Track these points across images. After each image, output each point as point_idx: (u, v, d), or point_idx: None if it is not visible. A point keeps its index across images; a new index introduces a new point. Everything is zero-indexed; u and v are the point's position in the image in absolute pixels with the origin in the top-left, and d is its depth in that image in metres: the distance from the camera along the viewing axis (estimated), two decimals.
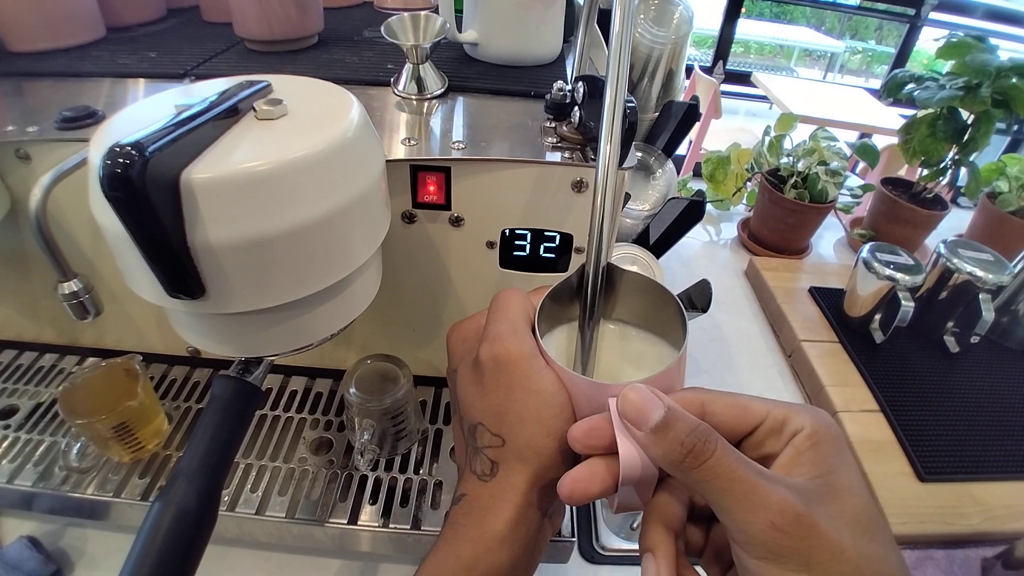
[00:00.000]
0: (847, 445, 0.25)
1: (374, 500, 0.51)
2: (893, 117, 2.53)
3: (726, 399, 0.26)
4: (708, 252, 1.06)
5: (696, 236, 1.09)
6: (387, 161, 0.40)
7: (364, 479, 0.53)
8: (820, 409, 0.26)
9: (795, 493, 0.22)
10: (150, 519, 0.32)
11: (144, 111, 0.33)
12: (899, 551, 0.23)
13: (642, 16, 0.66)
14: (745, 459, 0.23)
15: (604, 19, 0.55)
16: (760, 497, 0.22)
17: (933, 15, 2.88)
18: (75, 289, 0.40)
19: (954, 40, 0.90)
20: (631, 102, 0.35)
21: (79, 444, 0.50)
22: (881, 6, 3.07)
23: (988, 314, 0.74)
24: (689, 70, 2.43)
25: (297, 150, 0.30)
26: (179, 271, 0.29)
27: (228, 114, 0.32)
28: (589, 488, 0.26)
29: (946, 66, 0.93)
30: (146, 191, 0.25)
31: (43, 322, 0.61)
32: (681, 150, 1.63)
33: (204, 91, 0.34)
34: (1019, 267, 0.80)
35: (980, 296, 0.75)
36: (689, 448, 0.23)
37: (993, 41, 0.90)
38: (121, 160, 0.24)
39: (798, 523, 0.21)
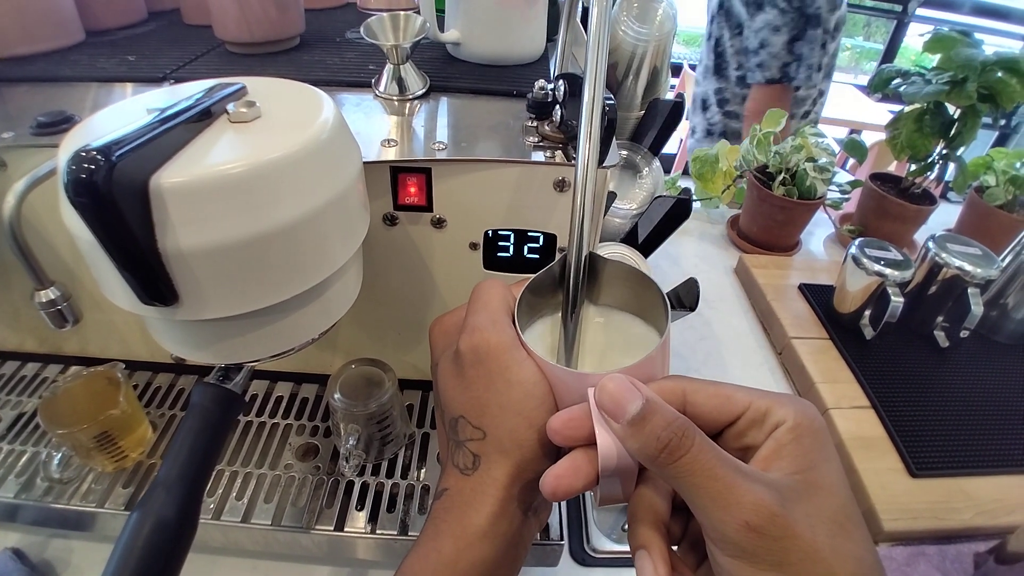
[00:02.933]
0: (830, 439, 0.24)
1: (361, 506, 0.51)
2: (882, 113, 2.54)
3: (708, 388, 0.26)
4: (697, 250, 1.06)
5: (685, 232, 1.08)
6: (367, 163, 0.39)
7: (351, 485, 0.52)
8: (805, 400, 0.25)
9: (771, 491, 0.22)
10: (128, 530, 0.32)
11: (116, 115, 0.33)
12: (875, 549, 0.23)
13: (625, 14, 0.65)
14: (722, 455, 0.23)
15: (587, 17, 0.54)
16: (735, 496, 0.21)
17: (920, 11, 2.90)
18: (52, 297, 0.39)
19: (939, 35, 0.90)
20: (610, 99, 0.35)
21: (60, 454, 0.50)
22: (868, 3, 3.09)
23: (977, 308, 0.74)
24: (679, 69, 2.44)
25: (271, 152, 0.30)
26: (151, 278, 0.28)
27: (200, 117, 0.31)
28: (573, 483, 0.26)
29: (932, 61, 0.93)
30: (113, 197, 0.25)
31: (25, 331, 0.61)
32: (671, 148, 1.64)
33: (177, 94, 0.34)
34: (1007, 261, 0.80)
35: (969, 290, 0.75)
36: (665, 443, 0.23)
37: (980, 36, 0.91)
38: (86, 165, 0.24)
39: (772, 523, 0.21)
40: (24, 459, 0.53)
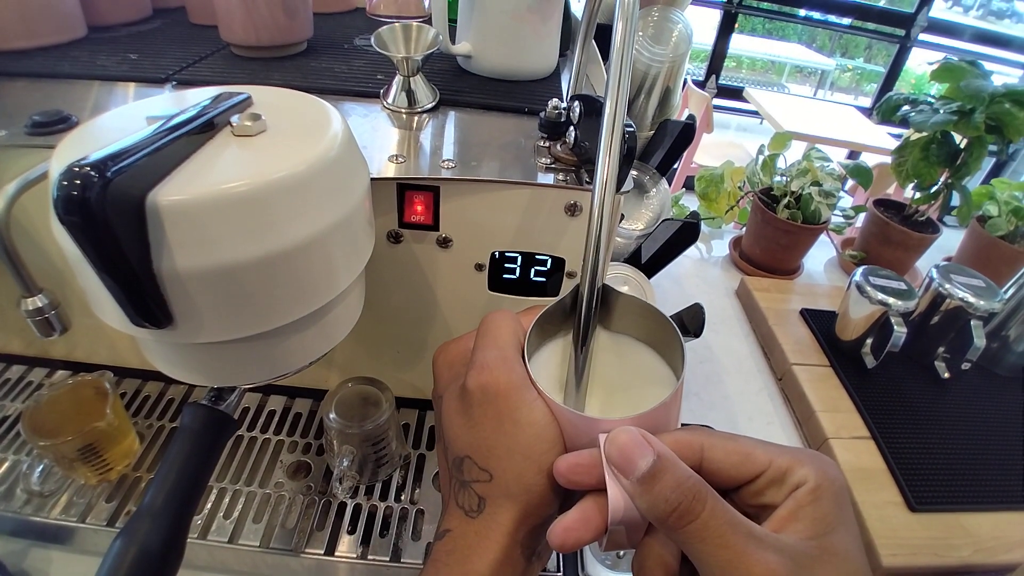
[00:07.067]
0: (848, 501, 0.24)
1: (352, 529, 0.49)
2: (882, 135, 2.56)
3: (727, 444, 0.25)
4: (699, 270, 1.05)
5: (687, 254, 1.07)
6: (373, 179, 0.38)
7: (343, 506, 0.51)
8: (827, 458, 0.24)
9: (784, 560, 0.21)
10: (109, 560, 0.30)
11: (114, 122, 0.32)
12: None
13: (640, 33, 0.65)
14: (735, 520, 0.22)
15: (601, 34, 0.54)
16: (746, 565, 0.21)
17: (922, 36, 2.93)
18: (40, 305, 0.37)
19: (948, 64, 0.90)
20: (630, 126, 0.34)
21: (42, 466, 0.48)
22: (871, 26, 3.12)
23: (979, 340, 0.73)
24: (683, 84, 2.44)
25: (276, 170, 0.28)
26: (143, 300, 0.27)
27: (203, 129, 0.30)
28: (582, 536, 0.25)
29: (933, 87, 0.93)
30: (106, 216, 0.23)
31: (11, 333, 0.59)
32: None
33: (180, 102, 0.32)
34: (1010, 293, 0.79)
35: (972, 323, 0.75)
36: (675, 505, 0.22)
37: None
38: (78, 183, 0.22)
39: None
40: (5, 466, 0.51)
